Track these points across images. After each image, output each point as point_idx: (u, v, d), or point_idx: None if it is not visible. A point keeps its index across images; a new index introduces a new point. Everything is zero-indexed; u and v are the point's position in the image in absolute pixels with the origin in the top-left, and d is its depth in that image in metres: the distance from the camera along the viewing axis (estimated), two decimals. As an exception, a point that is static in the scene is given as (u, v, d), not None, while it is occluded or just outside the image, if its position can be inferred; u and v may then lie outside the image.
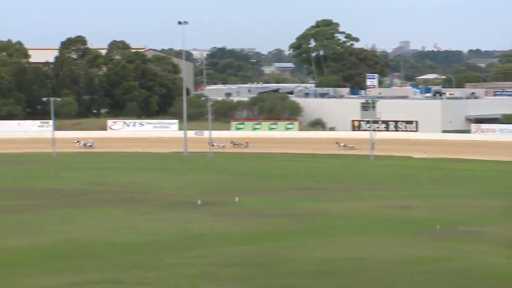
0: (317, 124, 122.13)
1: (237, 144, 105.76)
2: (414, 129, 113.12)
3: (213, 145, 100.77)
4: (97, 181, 70.36)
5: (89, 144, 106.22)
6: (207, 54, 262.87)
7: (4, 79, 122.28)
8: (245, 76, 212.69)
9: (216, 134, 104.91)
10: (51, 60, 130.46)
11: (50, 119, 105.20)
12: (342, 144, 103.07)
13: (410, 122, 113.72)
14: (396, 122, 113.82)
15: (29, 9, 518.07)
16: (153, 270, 35.25)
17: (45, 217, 50.85)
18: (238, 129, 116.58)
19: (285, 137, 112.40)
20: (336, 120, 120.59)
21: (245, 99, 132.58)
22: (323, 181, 71.07)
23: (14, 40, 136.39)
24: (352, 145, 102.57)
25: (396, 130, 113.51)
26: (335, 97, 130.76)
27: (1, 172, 78.54)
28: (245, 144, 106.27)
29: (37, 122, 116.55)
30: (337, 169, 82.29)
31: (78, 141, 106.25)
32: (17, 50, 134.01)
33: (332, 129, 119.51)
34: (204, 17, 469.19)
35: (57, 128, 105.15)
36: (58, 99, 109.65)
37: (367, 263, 36.64)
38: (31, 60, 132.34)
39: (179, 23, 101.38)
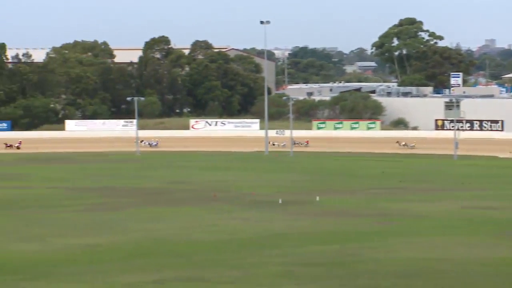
0: (400, 124, 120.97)
1: (298, 143, 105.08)
2: (499, 129, 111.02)
3: (273, 145, 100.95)
4: (179, 180, 71.03)
5: (154, 143, 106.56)
6: (289, 53, 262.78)
7: (90, 79, 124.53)
8: (326, 75, 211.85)
9: (297, 133, 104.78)
10: (135, 60, 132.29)
11: (134, 118, 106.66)
12: (403, 143, 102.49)
13: (495, 122, 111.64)
14: (481, 121, 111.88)
15: (114, 10, 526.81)
16: (234, 268, 35.32)
17: (127, 216, 51.51)
18: (319, 128, 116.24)
19: (367, 137, 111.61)
20: (419, 119, 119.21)
21: (327, 98, 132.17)
22: (405, 180, 70.33)
23: (100, 41, 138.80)
24: (413, 144, 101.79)
25: (481, 130, 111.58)
26: (418, 96, 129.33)
27: (85, 171, 79.91)
28: (306, 143, 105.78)
29: (122, 121, 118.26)
30: (420, 169, 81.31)
31: (142, 141, 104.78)
32: (102, 51, 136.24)
33: (415, 128, 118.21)
34: (286, 16, 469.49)
35: (140, 127, 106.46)
36: (142, 98, 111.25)
37: (449, 264, 36.05)
38: (116, 60, 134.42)
39: (261, 22, 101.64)
